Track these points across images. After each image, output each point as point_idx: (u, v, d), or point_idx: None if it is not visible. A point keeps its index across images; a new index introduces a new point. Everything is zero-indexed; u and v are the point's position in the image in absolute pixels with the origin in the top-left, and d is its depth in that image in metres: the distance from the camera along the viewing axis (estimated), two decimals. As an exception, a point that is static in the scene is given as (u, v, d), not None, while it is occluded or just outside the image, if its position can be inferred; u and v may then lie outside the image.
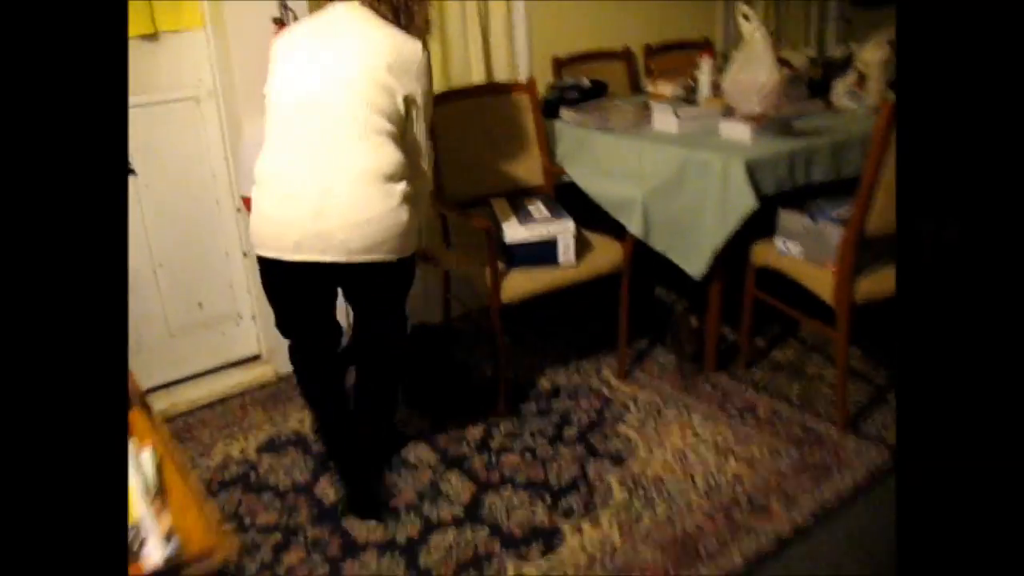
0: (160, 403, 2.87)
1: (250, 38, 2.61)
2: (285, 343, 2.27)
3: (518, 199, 2.69)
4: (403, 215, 1.96)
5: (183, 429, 2.71)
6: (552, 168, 2.91)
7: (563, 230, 2.47)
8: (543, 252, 2.49)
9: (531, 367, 2.95)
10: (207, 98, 2.73)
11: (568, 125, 2.96)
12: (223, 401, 2.86)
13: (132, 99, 2.59)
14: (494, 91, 2.87)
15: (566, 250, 2.50)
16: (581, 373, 2.88)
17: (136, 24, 2.52)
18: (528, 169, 2.90)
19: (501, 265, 2.48)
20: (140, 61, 2.58)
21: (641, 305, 3.36)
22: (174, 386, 2.94)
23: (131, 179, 2.65)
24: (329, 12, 2.03)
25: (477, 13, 3.12)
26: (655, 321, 3.22)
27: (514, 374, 2.90)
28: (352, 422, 2.29)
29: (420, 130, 2.03)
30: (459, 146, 2.78)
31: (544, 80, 3.25)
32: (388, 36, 1.96)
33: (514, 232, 2.46)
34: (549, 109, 3.07)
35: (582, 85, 3.13)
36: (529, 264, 2.50)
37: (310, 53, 1.97)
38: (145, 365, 2.87)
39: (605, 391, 2.76)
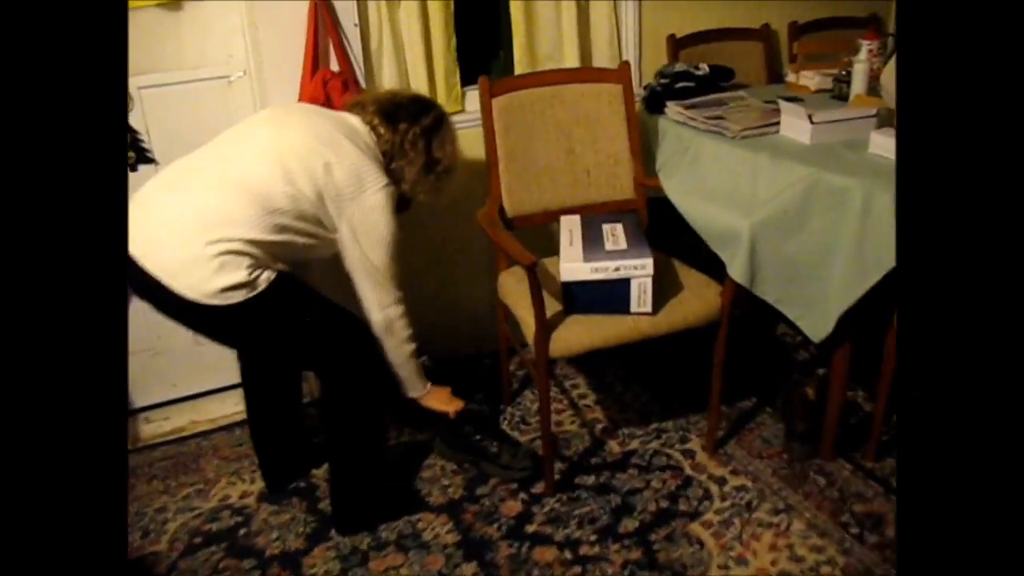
0: (180, 418, 2.55)
1: (284, 8, 2.19)
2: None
3: (595, 220, 2.14)
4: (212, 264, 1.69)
5: (192, 455, 2.38)
6: (646, 181, 2.32)
7: (639, 270, 1.90)
8: (610, 296, 1.93)
9: (603, 421, 2.41)
10: (239, 77, 2.32)
11: (674, 124, 2.35)
12: (244, 424, 2.49)
13: (152, 78, 2.23)
14: (577, 77, 2.30)
15: (641, 296, 1.93)
16: (662, 438, 2.31)
17: (157, -11, 2.14)
18: (615, 180, 2.33)
19: (554, 308, 1.95)
20: (160, 34, 2.21)
21: (754, 347, 2.73)
22: (198, 399, 2.62)
23: (151, 168, 2.30)
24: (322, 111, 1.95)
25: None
26: (770, 371, 2.59)
27: (583, 426, 2.37)
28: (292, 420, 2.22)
29: (360, 255, 1.84)
30: (525, 147, 2.24)
31: (658, 66, 2.64)
32: (346, 162, 1.80)
33: (573, 268, 1.91)
34: (654, 102, 2.47)
35: (697, 71, 2.50)
36: (591, 310, 1.95)
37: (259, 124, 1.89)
38: (166, 374, 2.56)
39: (687, 467, 2.18)
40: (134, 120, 2.25)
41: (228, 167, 1.76)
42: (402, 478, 2.20)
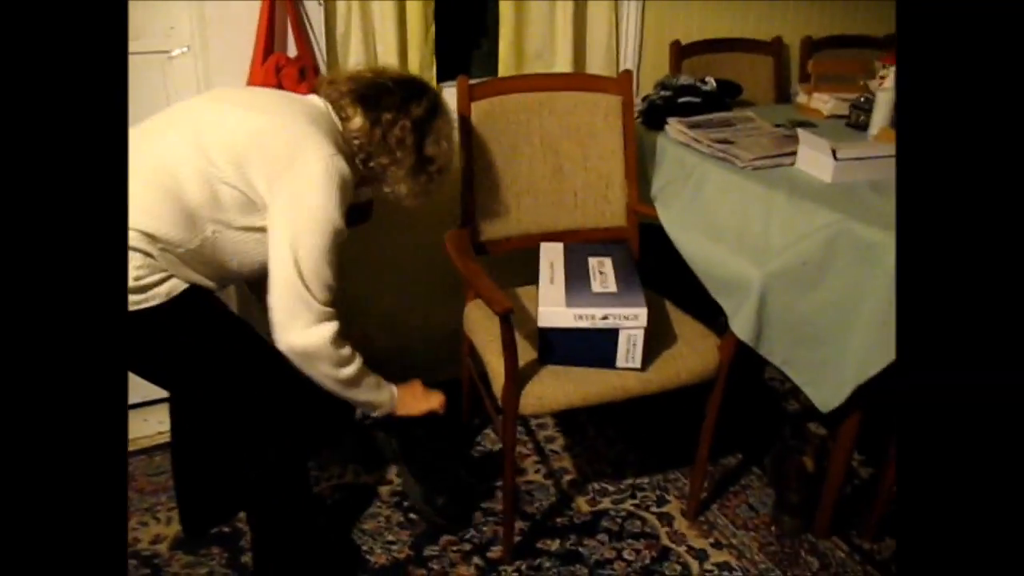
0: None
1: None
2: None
3: (581, 251, 1.87)
4: None
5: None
6: (640, 207, 2.05)
7: (630, 320, 1.63)
8: (595, 347, 1.66)
9: (571, 471, 2.15)
10: (182, 53, 2.00)
11: (674, 143, 2.09)
12: (167, 448, 2.18)
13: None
14: (570, 84, 2.01)
15: (630, 350, 1.66)
16: (637, 497, 2.06)
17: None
18: (606, 205, 2.05)
19: (527, 353, 1.68)
20: None
21: (740, 393, 2.48)
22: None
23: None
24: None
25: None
26: (757, 422, 2.35)
27: (548, 476, 2.11)
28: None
29: (285, 247, 1.43)
30: (506, 161, 1.96)
31: (658, 75, 2.36)
32: (281, 125, 1.46)
33: (553, 313, 1.64)
34: (652, 117, 2.19)
35: (703, 86, 2.23)
36: (570, 361, 1.68)
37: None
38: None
39: (664, 535, 1.93)
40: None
41: (140, 145, 1.41)
42: (339, 529, 1.92)
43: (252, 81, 1.85)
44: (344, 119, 1.56)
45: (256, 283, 1.64)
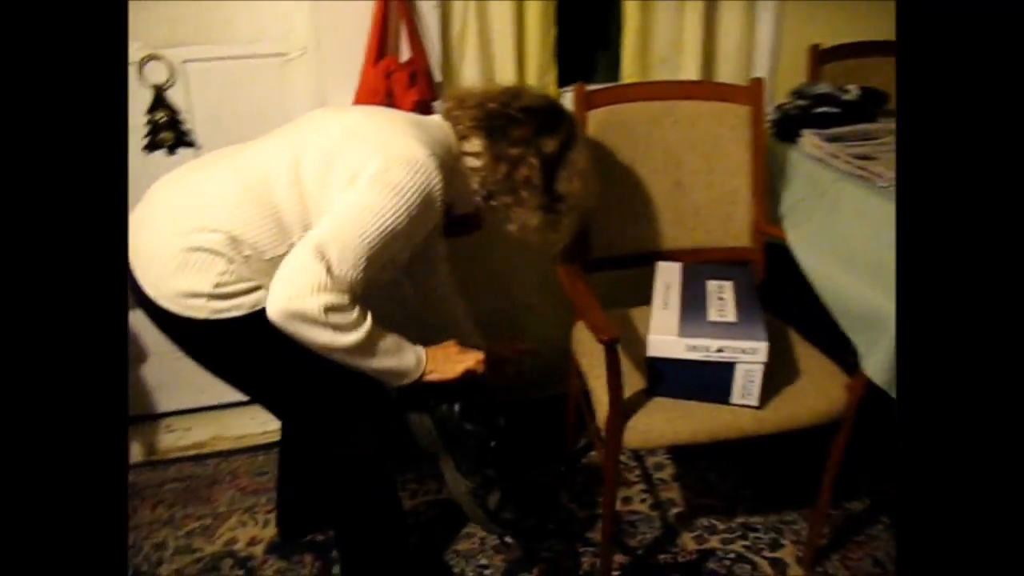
0: (202, 430, 2.28)
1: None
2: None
3: (700, 273, 1.74)
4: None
5: (207, 480, 2.10)
6: (767, 228, 1.90)
7: (748, 355, 1.49)
8: (708, 381, 1.53)
9: (679, 503, 2.02)
10: (299, 56, 1.99)
11: (808, 158, 1.92)
12: (272, 448, 2.19)
13: (199, 50, 1.94)
14: (695, 93, 1.87)
15: (746, 385, 1.53)
16: (749, 538, 1.91)
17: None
18: (729, 223, 1.91)
19: (634, 381, 1.57)
20: (210, 3, 1.89)
21: (869, 430, 2.28)
22: (226, 410, 2.34)
23: (191, 153, 2.00)
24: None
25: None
26: (886, 464, 2.14)
27: (655, 507, 1.99)
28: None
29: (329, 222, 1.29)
30: (624, 174, 1.84)
31: (794, 82, 2.18)
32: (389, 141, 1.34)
33: (664, 342, 1.52)
34: (785, 128, 2.03)
35: (844, 94, 2.04)
36: (681, 394, 1.56)
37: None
38: (194, 378, 2.26)
39: (776, 584, 1.78)
40: (176, 97, 1.95)
41: (244, 153, 1.39)
42: (432, 549, 1.87)
43: (362, 85, 1.81)
44: (462, 138, 1.45)
45: None
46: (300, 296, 1.20)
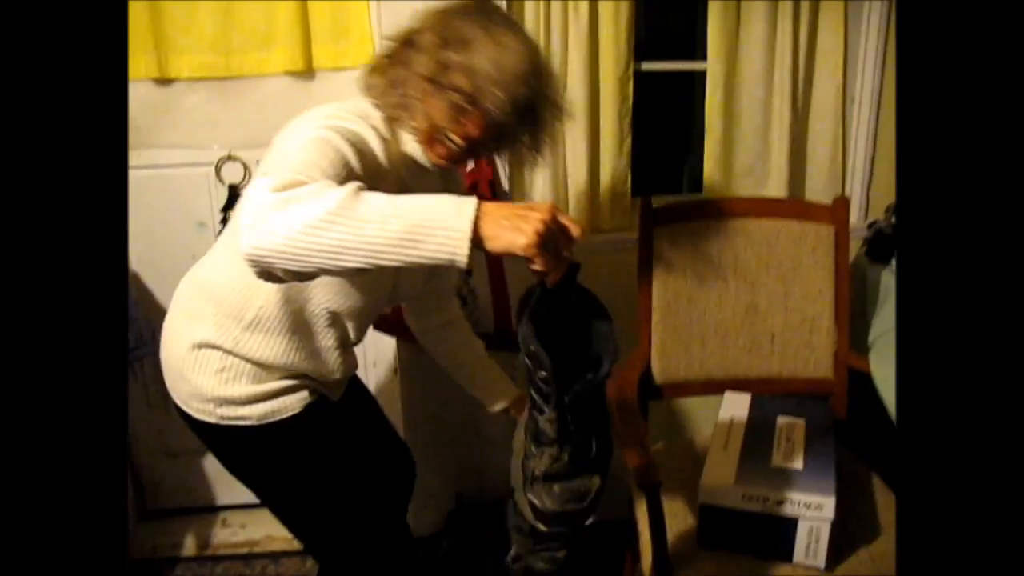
0: (257, 528, 2.24)
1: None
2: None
3: (770, 407, 1.59)
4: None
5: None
6: (850, 359, 1.73)
7: (813, 510, 1.33)
8: (767, 535, 1.37)
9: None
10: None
11: (903, 283, 1.75)
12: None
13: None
14: (773, 210, 1.75)
15: (811, 544, 1.35)
16: None
17: (288, 58, 1.86)
18: (808, 352, 1.74)
19: (686, 523, 1.42)
20: (290, 102, 1.92)
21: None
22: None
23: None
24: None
25: (789, 90, 1.97)
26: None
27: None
28: None
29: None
30: (692, 295, 1.72)
31: (891, 198, 2.03)
32: None
33: (718, 488, 1.37)
34: (879, 248, 1.87)
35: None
36: (736, 548, 1.40)
37: None
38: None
39: None
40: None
41: None
42: None
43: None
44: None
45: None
46: (248, 204, 0.92)
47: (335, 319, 1.27)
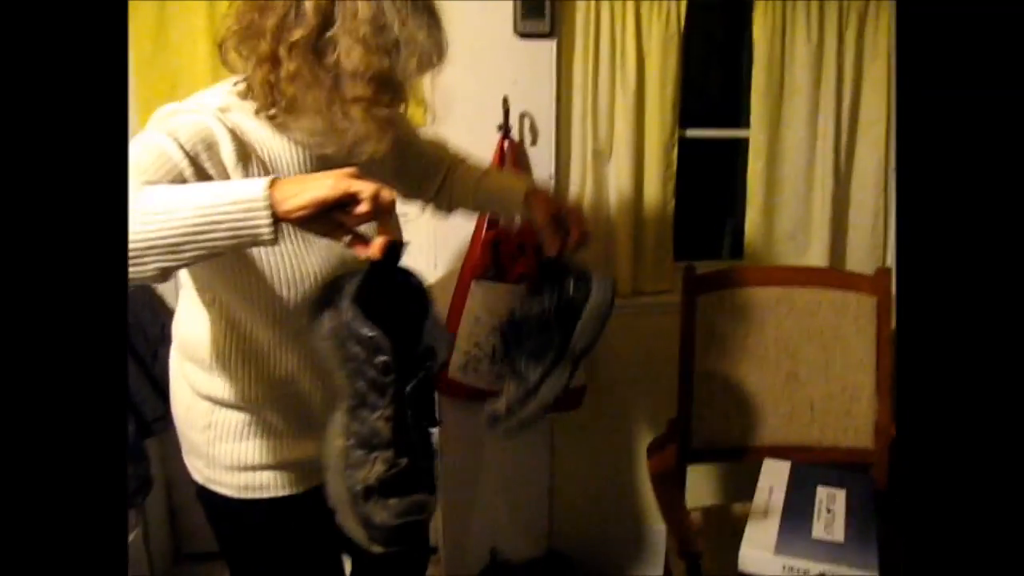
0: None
1: (477, 143, 1.88)
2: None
3: (811, 476, 1.59)
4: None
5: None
6: (893, 429, 1.72)
7: (854, 582, 1.32)
8: (807, 607, 1.36)
9: None
10: (416, 214, 2.05)
11: (945, 356, 1.75)
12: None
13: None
14: (815, 280, 1.77)
15: (851, 619, 1.35)
16: None
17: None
18: (849, 421, 1.75)
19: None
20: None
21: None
22: None
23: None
24: None
25: (832, 159, 2.00)
26: None
27: None
28: None
29: None
30: (733, 363, 1.74)
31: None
32: None
33: (757, 558, 1.37)
34: (921, 319, 1.87)
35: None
36: (775, 619, 1.39)
37: None
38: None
39: None
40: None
41: None
42: None
43: (469, 256, 1.82)
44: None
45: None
46: None
47: (284, 320, 1.09)
